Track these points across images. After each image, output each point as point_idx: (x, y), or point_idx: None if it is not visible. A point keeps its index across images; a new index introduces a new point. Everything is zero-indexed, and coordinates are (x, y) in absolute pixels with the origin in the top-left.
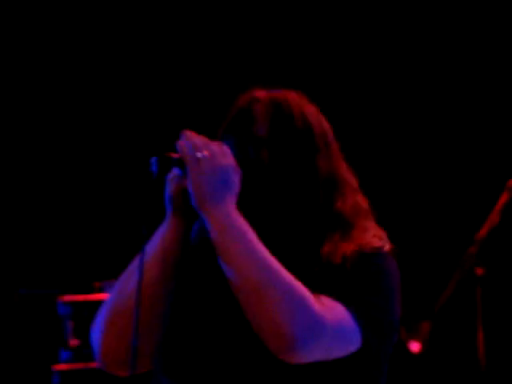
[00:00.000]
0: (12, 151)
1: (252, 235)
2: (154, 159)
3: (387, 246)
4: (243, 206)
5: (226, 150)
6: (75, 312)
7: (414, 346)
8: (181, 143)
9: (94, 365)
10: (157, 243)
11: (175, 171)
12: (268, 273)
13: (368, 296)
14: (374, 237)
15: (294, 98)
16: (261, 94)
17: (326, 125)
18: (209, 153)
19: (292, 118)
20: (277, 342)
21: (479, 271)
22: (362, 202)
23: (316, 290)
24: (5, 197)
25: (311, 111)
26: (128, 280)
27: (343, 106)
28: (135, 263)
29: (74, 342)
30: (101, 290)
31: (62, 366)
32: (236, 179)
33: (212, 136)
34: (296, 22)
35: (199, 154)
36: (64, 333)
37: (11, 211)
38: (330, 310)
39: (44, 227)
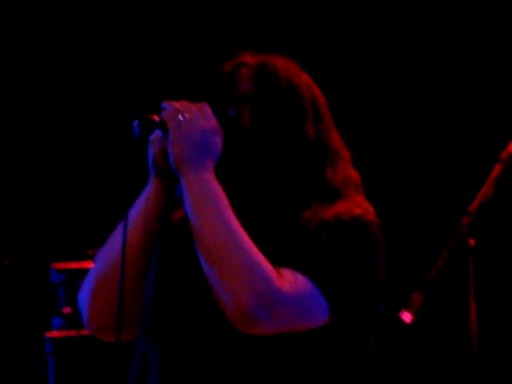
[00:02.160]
0: None
1: (223, 203)
2: (135, 122)
3: (370, 216)
4: (224, 168)
5: (208, 112)
6: (68, 280)
7: (406, 317)
8: (163, 106)
9: (86, 332)
10: (140, 207)
11: (157, 133)
12: (231, 242)
13: (339, 266)
14: (357, 207)
15: (283, 62)
16: (248, 58)
17: (317, 93)
18: (189, 115)
19: (278, 79)
20: (231, 311)
21: (471, 242)
22: (353, 175)
23: (287, 257)
24: None
25: (301, 76)
26: (112, 246)
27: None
28: (119, 228)
29: (66, 310)
30: (93, 258)
31: (55, 334)
32: (217, 141)
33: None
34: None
35: (180, 117)
36: (57, 300)
37: (1, 180)
38: (291, 283)
39: (35, 196)
